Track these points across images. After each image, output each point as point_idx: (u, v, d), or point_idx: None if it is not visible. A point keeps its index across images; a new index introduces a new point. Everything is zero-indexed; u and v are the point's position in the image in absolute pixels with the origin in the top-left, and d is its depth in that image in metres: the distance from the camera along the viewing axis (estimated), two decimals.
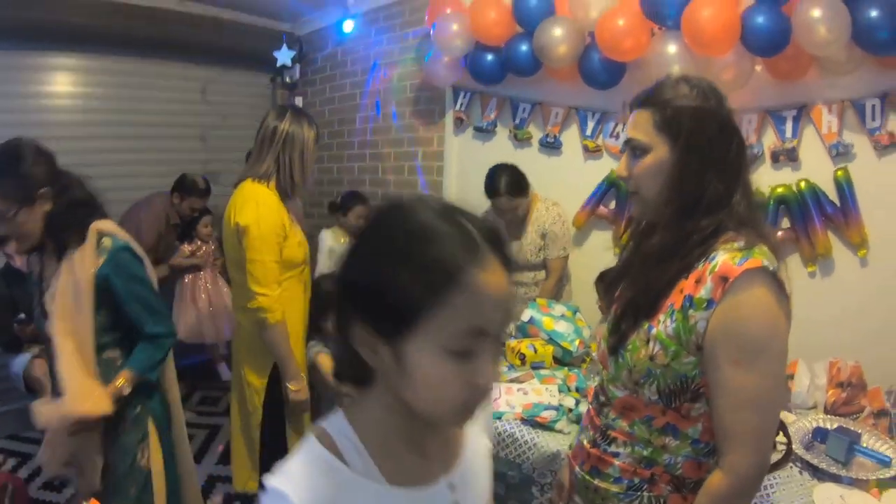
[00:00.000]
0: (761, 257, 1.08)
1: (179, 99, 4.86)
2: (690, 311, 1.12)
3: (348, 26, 4.53)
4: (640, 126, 1.23)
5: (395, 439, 0.79)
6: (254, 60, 5.16)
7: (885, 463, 1.83)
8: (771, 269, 1.08)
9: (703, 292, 1.11)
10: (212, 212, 4.26)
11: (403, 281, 0.68)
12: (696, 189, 1.16)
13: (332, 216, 4.01)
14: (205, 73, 4.99)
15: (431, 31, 3.56)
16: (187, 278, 4.13)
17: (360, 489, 0.74)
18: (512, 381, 2.40)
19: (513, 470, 2.12)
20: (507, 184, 3.08)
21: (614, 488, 1.24)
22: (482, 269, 0.69)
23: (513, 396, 2.26)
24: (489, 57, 3.42)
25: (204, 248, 4.19)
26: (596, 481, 1.27)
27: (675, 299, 1.16)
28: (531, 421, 2.17)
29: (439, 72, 3.68)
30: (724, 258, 1.10)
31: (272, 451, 2.39)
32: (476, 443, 0.92)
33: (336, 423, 0.78)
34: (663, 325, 1.16)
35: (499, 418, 2.18)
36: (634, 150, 1.25)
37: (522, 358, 2.58)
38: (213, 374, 4.53)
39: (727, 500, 1.11)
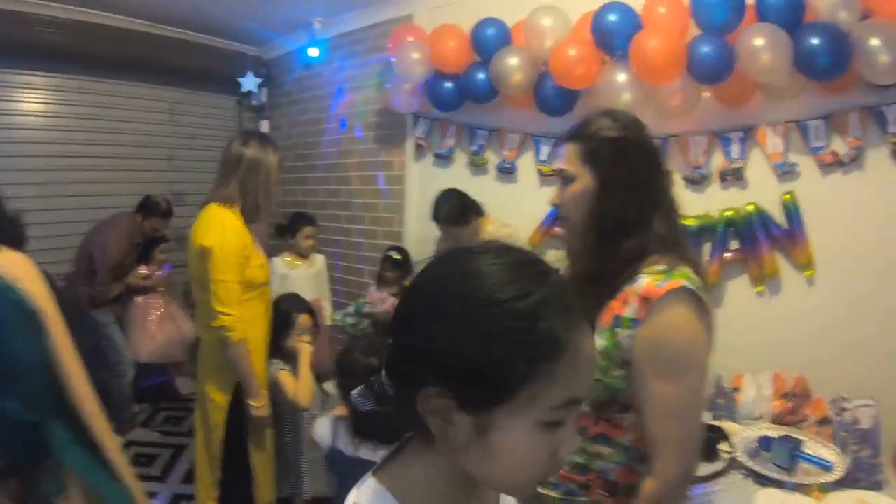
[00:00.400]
0: (681, 278, 1.17)
1: (147, 119, 4.88)
2: (618, 330, 1.20)
3: (314, 52, 4.59)
4: (568, 158, 1.35)
5: None
6: (221, 83, 5.21)
7: (826, 468, 1.92)
8: (691, 287, 1.16)
9: (628, 312, 1.19)
10: (169, 240, 4.33)
11: (502, 354, 0.62)
12: (617, 214, 1.25)
13: (280, 239, 3.95)
14: (173, 94, 5.02)
15: (393, 59, 3.62)
16: (139, 299, 4.17)
17: None
18: None
19: None
20: (446, 212, 3.16)
21: (554, 494, 1.31)
22: (581, 335, 0.65)
23: None
24: (448, 84, 3.47)
25: (158, 272, 4.24)
26: (538, 488, 1.33)
27: (605, 318, 1.24)
28: None
29: (400, 98, 3.72)
30: (647, 280, 1.19)
31: (233, 466, 2.42)
32: (508, 499, 0.88)
33: (375, 496, 0.70)
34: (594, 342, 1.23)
35: None
36: (564, 179, 1.36)
37: None
38: (174, 391, 4.64)
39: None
